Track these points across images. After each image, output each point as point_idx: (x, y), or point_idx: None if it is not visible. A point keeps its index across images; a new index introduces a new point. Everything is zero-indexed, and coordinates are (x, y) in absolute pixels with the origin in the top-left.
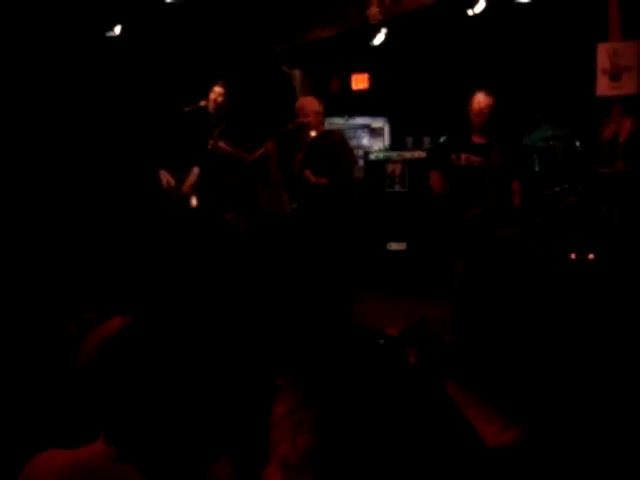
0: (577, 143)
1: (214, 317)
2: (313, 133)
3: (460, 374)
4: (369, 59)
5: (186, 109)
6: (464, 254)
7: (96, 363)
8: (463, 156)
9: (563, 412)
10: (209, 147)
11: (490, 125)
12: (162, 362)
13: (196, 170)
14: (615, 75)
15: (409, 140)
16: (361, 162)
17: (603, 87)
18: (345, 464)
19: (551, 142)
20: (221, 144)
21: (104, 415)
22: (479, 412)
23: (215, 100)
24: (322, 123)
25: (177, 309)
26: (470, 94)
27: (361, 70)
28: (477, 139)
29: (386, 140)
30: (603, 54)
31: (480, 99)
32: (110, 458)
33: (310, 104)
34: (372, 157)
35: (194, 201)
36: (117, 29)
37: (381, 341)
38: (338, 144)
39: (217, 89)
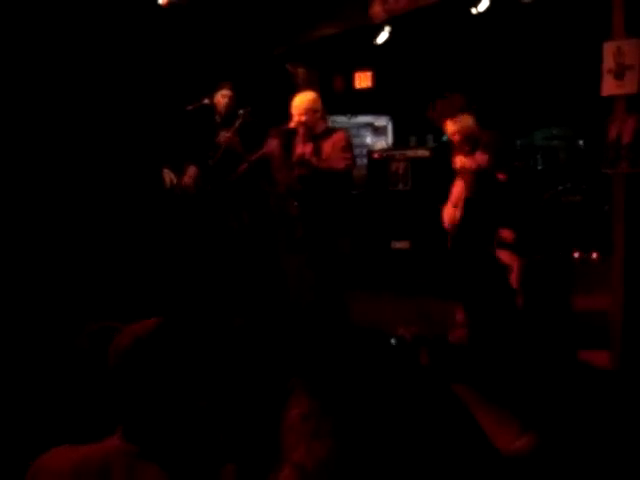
0: (580, 142)
1: (219, 317)
2: (293, 125)
3: (472, 378)
4: (372, 57)
5: (189, 108)
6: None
7: (127, 360)
8: (458, 159)
9: (574, 419)
10: (224, 141)
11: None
12: (188, 363)
13: (193, 169)
14: (618, 74)
15: (412, 138)
16: (364, 161)
17: (608, 87)
18: (362, 471)
19: (554, 142)
20: (237, 140)
21: (128, 411)
22: (492, 417)
23: (227, 103)
24: (323, 120)
25: (185, 307)
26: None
27: (364, 68)
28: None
29: (389, 138)
30: (609, 53)
31: (450, 125)
32: (123, 454)
33: (305, 102)
34: (375, 156)
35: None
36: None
37: (392, 341)
38: (341, 141)
39: (225, 92)
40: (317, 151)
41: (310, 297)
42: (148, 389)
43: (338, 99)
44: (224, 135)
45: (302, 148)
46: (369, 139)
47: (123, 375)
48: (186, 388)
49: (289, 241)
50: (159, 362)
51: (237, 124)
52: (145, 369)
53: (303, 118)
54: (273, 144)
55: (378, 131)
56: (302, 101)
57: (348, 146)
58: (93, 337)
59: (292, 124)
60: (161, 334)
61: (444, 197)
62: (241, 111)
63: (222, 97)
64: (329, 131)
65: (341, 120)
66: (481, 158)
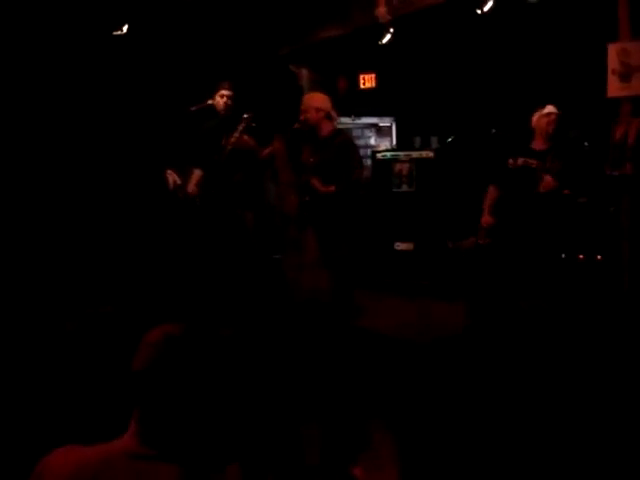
0: (585, 144)
1: (221, 317)
2: (297, 125)
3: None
4: (376, 58)
5: (193, 108)
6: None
7: (154, 361)
8: (520, 160)
9: None
10: (233, 141)
11: (555, 135)
12: (210, 366)
13: (198, 172)
14: (625, 75)
15: (416, 139)
16: (368, 162)
17: (614, 88)
18: None
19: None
20: (245, 137)
21: (148, 412)
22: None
23: (225, 102)
24: (330, 120)
25: (186, 306)
26: (537, 105)
27: (368, 69)
28: (537, 145)
29: (393, 139)
30: (613, 54)
31: (551, 110)
32: (131, 455)
33: (309, 100)
34: (379, 157)
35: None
36: (124, 28)
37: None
38: (345, 146)
39: (224, 91)
40: (322, 158)
41: (310, 297)
42: (171, 391)
43: (342, 100)
44: (232, 136)
45: (309, 151)
46: (373, 140)
47: (148, 377)
48: (207, 391)
49: (288, 240)
50: (185, 365)
51: (241, 128)
52: (171, 372)
53: (307, 115)
54: (278, 145)
55: (382, 132)
56: (306, 99)
57: (352, 155)
58: (83, 322)
59: (297, 125)
60: (187, 338)
61: (448, 198)
62: (245, 115)
63: (220, 97)
64: (335, 136)
65: (345, 121)
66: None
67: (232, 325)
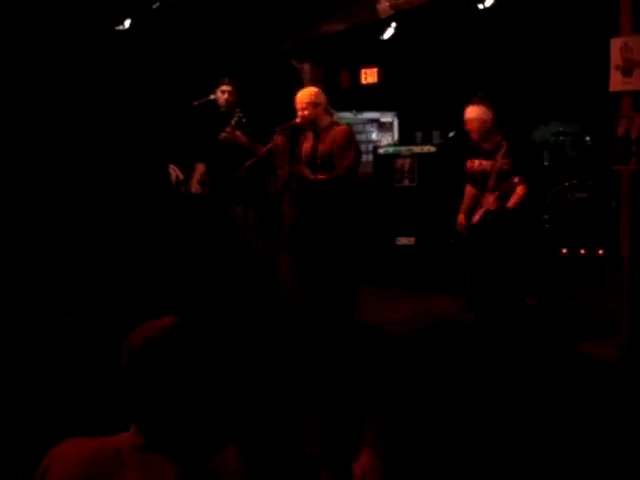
0: (587, 138)
1: (221, 311)
2: (298, 120)
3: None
4: (379, 53)
5: (196, 103)
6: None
7: (140, 360)
8: (476, 162)
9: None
10: (224, 135)
11: (492, 132)
12: (198, 361)
13: (201, 166)
14: (627, 70)
15: (418, 134)
16: (370, 157)
17: (616, 82)
18: None
19: (561, 138)
20: (237, 133)
21: (140, 408)
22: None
23: (226, 99)
24: (327, 114)
25: (187, 304)
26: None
27: (370, 64)
28: (486, 145)
29: (395, 134)
30: (616, 49)
31: (467, 114)
32: (135, 447)
33: (306, 97)
34: (381, 152)
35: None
36: (127, 23)
37: None
38: (340, 139)
39: (224, 87)
40: (315, 150)
41: (298, 299)
42: (160, 387)
43: (344, 95)
44: (224, 131)
45: (308, 144)
46: (375, 135)
47: (136, 375)
48: (196, 385)
49: (281, 240)
50: (172, 362)
51: (233, 122)
52: (158, 369)
53: (305, 112)
54: (278, 140)
55: (384, 127)
56: (303, 95)
57: (347, 144)
58: (82, 317)
59: (297, 120)
60: (174, 334)
61: (450, 193)
62: (237, 110)
63: (221, 93)
64: (332, 127)
65: (347, 116)
66: (503, 162)
67: (230, 318)
